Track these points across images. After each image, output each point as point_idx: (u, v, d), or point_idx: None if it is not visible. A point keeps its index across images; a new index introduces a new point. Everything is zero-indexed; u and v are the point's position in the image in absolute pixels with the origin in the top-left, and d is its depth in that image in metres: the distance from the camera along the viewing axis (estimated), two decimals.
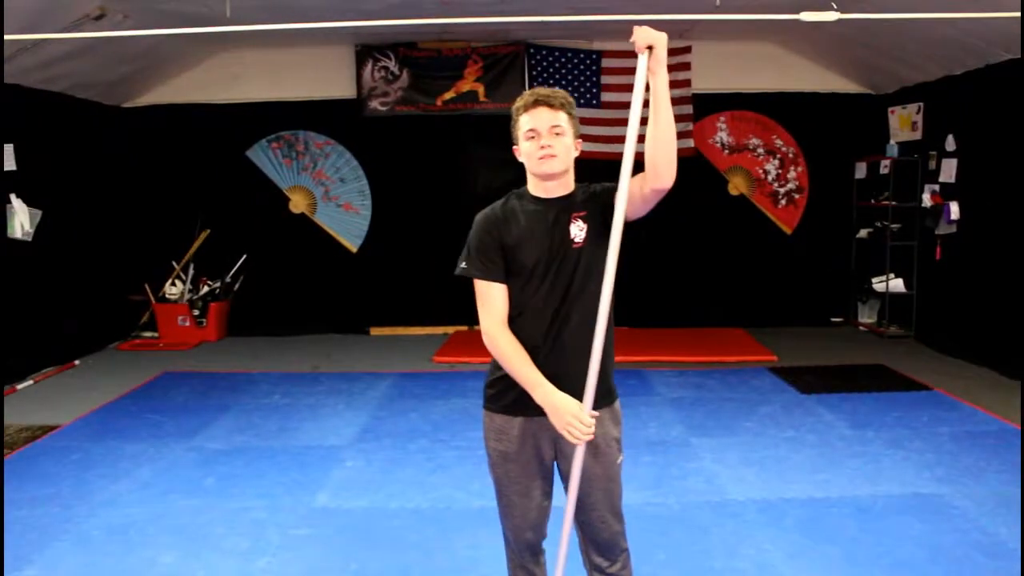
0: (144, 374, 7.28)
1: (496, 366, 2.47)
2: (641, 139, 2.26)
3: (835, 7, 4.84)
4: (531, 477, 2.51)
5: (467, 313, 9.11)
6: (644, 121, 2.26)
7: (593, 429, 2.28)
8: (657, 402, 6.27)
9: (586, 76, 8.69)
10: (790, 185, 9.33)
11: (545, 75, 8.67)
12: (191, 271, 9.04)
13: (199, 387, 6.88)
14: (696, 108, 8.91)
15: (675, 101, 8.60)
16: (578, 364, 2.31)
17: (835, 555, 3.65)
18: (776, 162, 9.28)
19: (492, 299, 2.42)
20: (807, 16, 4.90)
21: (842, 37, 7.78)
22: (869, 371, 7.22)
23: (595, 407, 2.35)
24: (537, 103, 2.37)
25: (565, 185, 2.44)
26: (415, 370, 7.43)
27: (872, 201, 8.99)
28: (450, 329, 9.12)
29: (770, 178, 9.31)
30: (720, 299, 9.23)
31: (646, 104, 2.27)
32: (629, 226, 2.34)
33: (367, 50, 8.68)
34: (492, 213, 2.46)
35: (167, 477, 4.75)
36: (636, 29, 2.23)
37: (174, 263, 9.02)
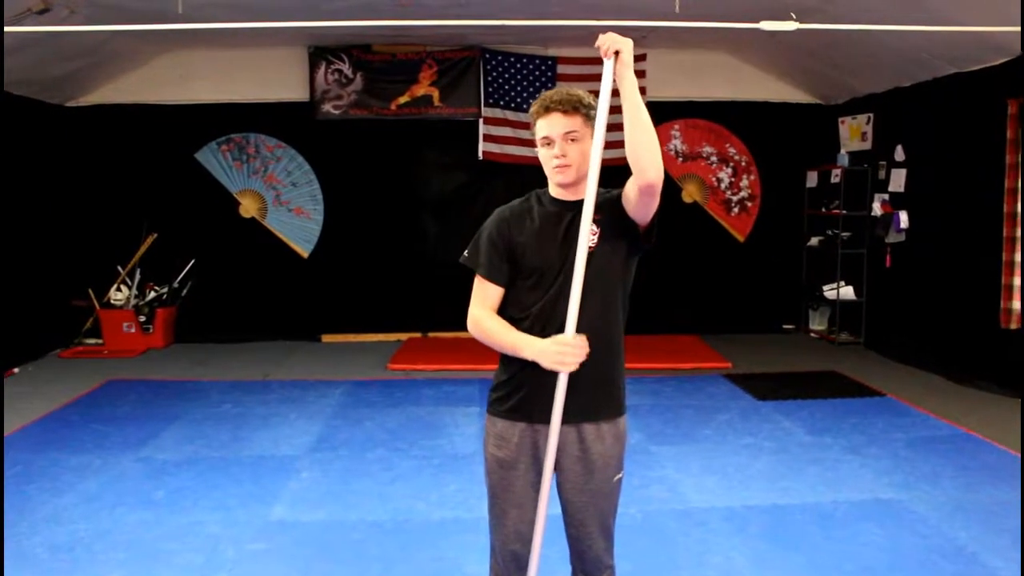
0: (88, 382, 7.04)
1: (502, 370, 2.43)
2: (620, 144, 2.22)
3: (793, 17, 4.87)
4: (527, 488, 2.43)
5: (421, 319, 9.05)
6: (614, 128, 2.20)
7: (586, 345, 2.22)
8: None
9: (541, 82, 8.65)
10: (743, 193, 9.41)
11: (500, 80, 8.63)
12: (137, 276, 8.79)
13: (146, 396, 6.67)
14: (650, 116, 8.91)
15: None
16: (586, 371, 2.25)
17: (800, 562, 3.64)
18: (729, 170, 9.36)
19: (486, 296, 2.41)
20: (767, 25, 4.94)
21: (794, 48, 7.86)
22: (822, 378, 7.29)
23: (598, 418, 2.37)
24: (550, 109, 2.32)
25: (578, 184, 2.36)
26: (369, 378, 7.31)
27: (823, 210, 9.10)
28: (404, 336, 9.01)
29: (723, 186, 9.38)
30: (674, 306, 9.26)
31: (615, 111, 2.24)
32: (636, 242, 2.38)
33: (320, 52, 8.55)
34: (508, 211, 2.44)
35: (114, 490, 4.56)
36: (601, 36, 2.20)
37: (119, 267, 8.77)
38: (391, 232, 8.97)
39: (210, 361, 8.00)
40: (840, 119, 8.99)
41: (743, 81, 9.10)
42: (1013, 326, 6.52)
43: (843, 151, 8.84)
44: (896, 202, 8.05)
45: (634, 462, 4.99)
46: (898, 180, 8.03)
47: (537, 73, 8.66)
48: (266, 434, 5.61)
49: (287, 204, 9.02)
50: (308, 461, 5.05)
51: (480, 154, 8.77)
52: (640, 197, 2.25)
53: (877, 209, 8.32)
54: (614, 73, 2.21)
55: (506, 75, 8.65)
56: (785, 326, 9.58)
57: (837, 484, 4.61)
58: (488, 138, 8.74)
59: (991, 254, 6.63)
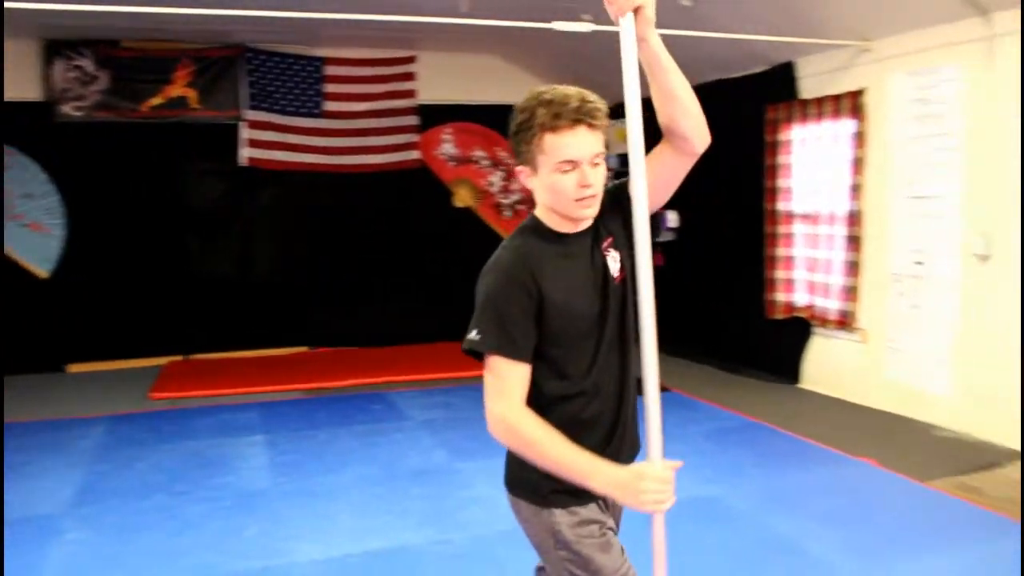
0: None
1: None
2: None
3: (588, 19, 4.84)
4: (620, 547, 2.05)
5: (181, 341, 8.31)
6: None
7: (673, 480, 1.78)
8: (410, 427, 5.98)
9: (308, 84, 8.20)
10: (515, 196, 9.44)
11: (264, 81, 8.08)
12: None
13: None
14: (421, 119, 8.75)
15: (400, 112, 8.52)
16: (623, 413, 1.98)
17: (642, 565, 3.54)
18: (500, 174, 9.35)
19: (513, 382, 1.81)
20: (560, 26, 4.88)
21: (566, 53, 7.94)
22: None
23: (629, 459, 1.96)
24: (579, 122, 1.76)
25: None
26: (131, 411, 6.54)
27: None
28: (163, 360, 8.22)
29: (495, 190, 9.36)
30: (450, 312, 9.08)
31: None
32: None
33: (56, 46, 7.57)
34: (520, 262, 1.85)
35: None
36: None
37: None
38: (145, 247, 8.15)
39: None
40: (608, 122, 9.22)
41: (514, 84, 9.07)
42: (779, 316, 6.94)
43: (611, 153, 9.06)
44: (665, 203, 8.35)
45: (443, 483, 4.78)
46: None
47: (304, 74, 8.19)
48: (16, 490, 4.79)
49: (20, 219, 7.90)
50: (73, 519, 4.33)
51: (243, 160, 8.16)
52: (677, 169, 1.94)
53: None
54: (638, 34, 1.76)
55: (270, 76, 8.10)
56: None
57: None
58: (252, 143, 8.14)
59: (755, 250, 7.03)
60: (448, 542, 3.96)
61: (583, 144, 1.77)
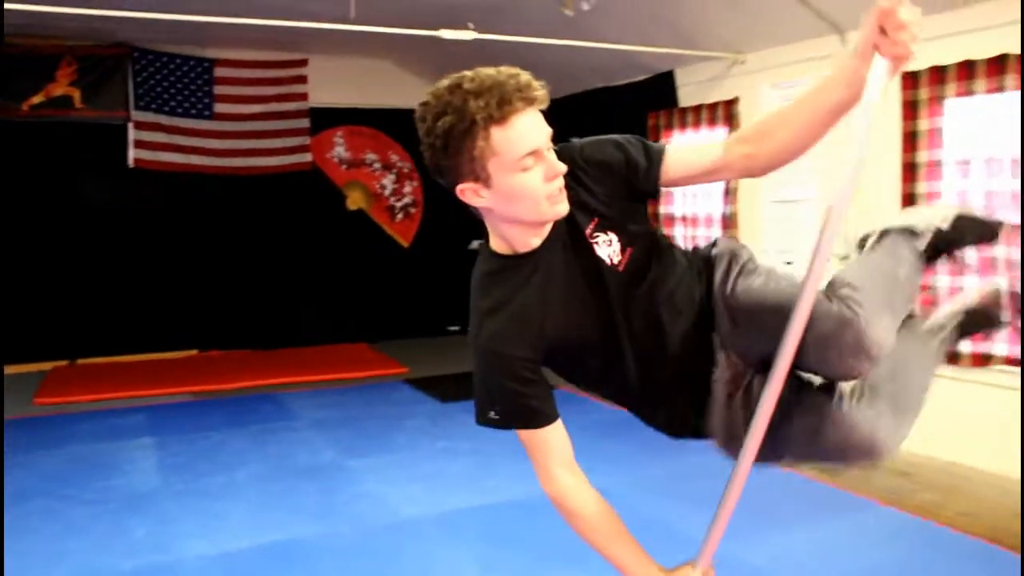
0: None
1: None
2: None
3: (471, 26, 5.01)
4: None
5: (68, 346, 8.14)
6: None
7: None
8: (300, 427, 6.04)
9: (197, 85, 8.12)
10: (406, 199, 9.55)
11: (152, 82, 7.97)
12: None
13: None
14: (313, 122, 8.77)
15: (291, 115, 8.54)
16: (675, 392, 1.72)
17: (521, 557, 3.75)
18: (392, 177, 9.45)
19: (552, 444, 1.66)
20: (446, 34, 5.04)
21: (455, 58, 8.06)
22: None
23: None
24: (528, 101, 1.42)
25: None
26: (13, 416, 6.38)
27: None
28: (48, 365, 8.02)
29: (387, 193, 9.46)
30: (342, 315, 9.19)
31: None
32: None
33: None
34: (497, 334, 1.59)
35: None
36: (905, 12, 1.34)
37: None
38: (30, 249, 7.92)
39: None
40: None
41: (405, 88, 9.18)
42: None
43: None
44: None
45: (333, 479, 4.88)
46: None
47: (193, 75, 8.11)
48: None
49: None
50: None
51: (131, 161, 8.03)
52: (698, 180, 1.66)
53: None
54: (860, 50, 1.43)
55: (158, 76, 7.99)
56: (450, 328, 9.85)
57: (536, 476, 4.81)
58: (140, 144, 8.01)
59: None
60: (337, 535, 4.07)
61: (539, 127, 1.45)
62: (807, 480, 4.72)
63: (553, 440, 1.64)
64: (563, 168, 1.48)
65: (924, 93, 5.14)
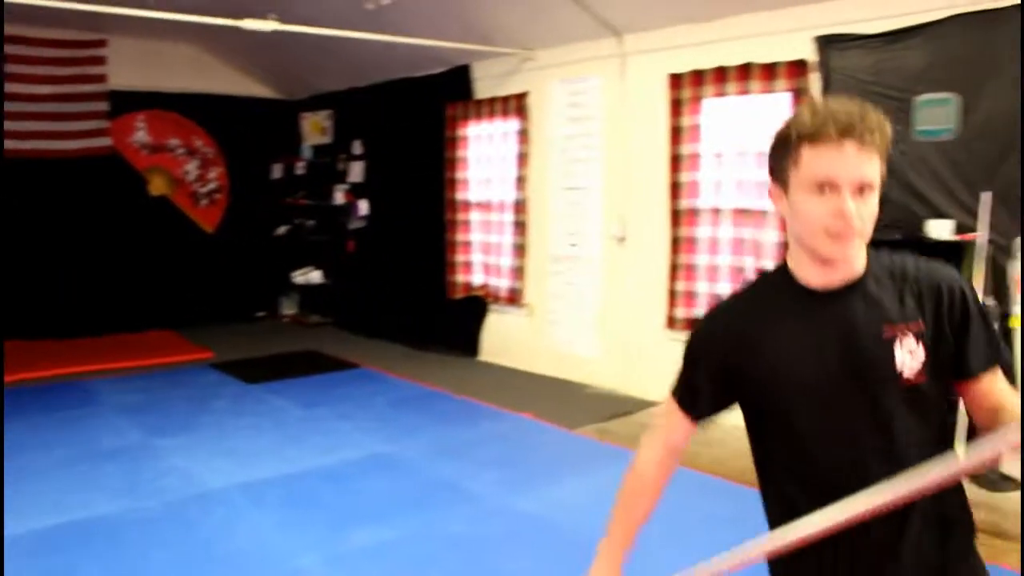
0: None
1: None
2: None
3: (274, 16, 5.21)
4: None
5: None
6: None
7: None
8: (105, 411, 6.04)
9: None
10: (211, 185, 9.52)
11: None
12: None
13: None
14: (113, 105, 8.58)
15: (88, 97, 8.33)
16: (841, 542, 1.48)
17: (320, 518, 4.05)
18: (196, 162, 9.39)
19: (668, 424, 1.75)
20: (248, 24, 5.21)
21: (259, 44, 8.17)
22: (303, 357, 7.82)
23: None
24: (847, 135, 1.41)
25: (855, 256, 1.52)
26: None
27: (289, 200, 9.63)
28: None
29: (191, 178, 9.39)
30: (146, 302, 9.06)
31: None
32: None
33: None
34: (722, 316, 1.66)
35: None
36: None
37: None
38: None
39: None
40: (302, 114, 9.58)
41: (209, 74, 9.20)
42: (459, 296, 7.70)
43: (306, 144, 9.45)
44: (357, 192, 8.88)
45: (140, 458, 4.98)
46: (357, 171, 8.86)
47: None
48: None
49: None
50: None
51: None
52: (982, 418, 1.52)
53: (340, 198, 9.08)
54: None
55: None
56: (258, 313, 9.92)
57: (337, 447, 5.13)
58: None
59: (438, 235, 7.75)
60: (143, 508, 4.21)
61: (848, 164, 1.42)
62: (582, 438, 5.29)
63: (673, 422, 1.73)
64: (852, 212, 1.42)
65: (687, 93, 5.81)
